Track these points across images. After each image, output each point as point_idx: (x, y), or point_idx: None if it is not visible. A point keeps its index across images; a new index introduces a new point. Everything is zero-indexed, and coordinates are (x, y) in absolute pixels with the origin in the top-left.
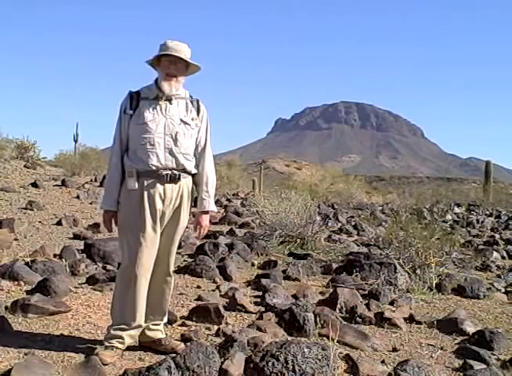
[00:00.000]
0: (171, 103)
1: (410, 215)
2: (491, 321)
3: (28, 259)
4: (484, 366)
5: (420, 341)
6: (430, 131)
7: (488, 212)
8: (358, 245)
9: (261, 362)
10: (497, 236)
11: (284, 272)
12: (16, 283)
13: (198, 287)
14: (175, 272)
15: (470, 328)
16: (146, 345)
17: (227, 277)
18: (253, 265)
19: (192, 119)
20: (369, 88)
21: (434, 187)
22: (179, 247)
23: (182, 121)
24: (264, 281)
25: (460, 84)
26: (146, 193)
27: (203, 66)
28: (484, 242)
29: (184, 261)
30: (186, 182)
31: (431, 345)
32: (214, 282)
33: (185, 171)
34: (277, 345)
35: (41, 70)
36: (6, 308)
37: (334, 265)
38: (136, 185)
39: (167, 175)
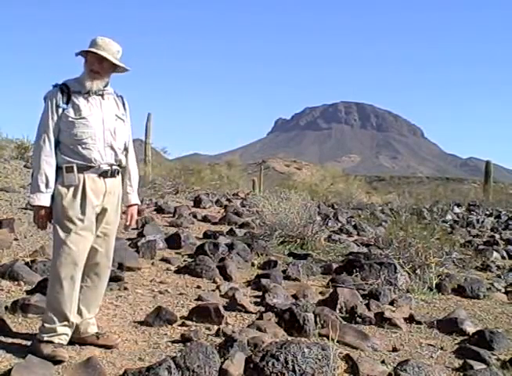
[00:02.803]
0: (103, 99)
1: (410, 215)
2: (491, 321)
3: (28, 259)
4: (484, 366)
5: (420, 341)
6: (430, 131)
7: (488, 212)
8: (358, 245)
9: (261, 362)
10: (497, 236)
11: (284, 272)
12: (16, 283)
13: (198, 287)
14: (175, 272)
15: (470, 328)
16: (82, 341)
17: (227, 277)
18: (253, 265)
19: (123, 115)
20: (369, 88)
21: (433, 187)
22: (179, 247)
23: (116, 116)
24: (264, 281)
25: (460, 84)
26: (88, 189)
27: (204, 65)
28: (485, 242)
29: (184, 261)
30: (120, 177)
31: (431, 345)
32: (214, 282)
33: (120, 166)
34: (277, 345)
35: (42, 70)
36: (6, 308)
37: (334, 265)
38: (77, 180)
39: (108, 170)
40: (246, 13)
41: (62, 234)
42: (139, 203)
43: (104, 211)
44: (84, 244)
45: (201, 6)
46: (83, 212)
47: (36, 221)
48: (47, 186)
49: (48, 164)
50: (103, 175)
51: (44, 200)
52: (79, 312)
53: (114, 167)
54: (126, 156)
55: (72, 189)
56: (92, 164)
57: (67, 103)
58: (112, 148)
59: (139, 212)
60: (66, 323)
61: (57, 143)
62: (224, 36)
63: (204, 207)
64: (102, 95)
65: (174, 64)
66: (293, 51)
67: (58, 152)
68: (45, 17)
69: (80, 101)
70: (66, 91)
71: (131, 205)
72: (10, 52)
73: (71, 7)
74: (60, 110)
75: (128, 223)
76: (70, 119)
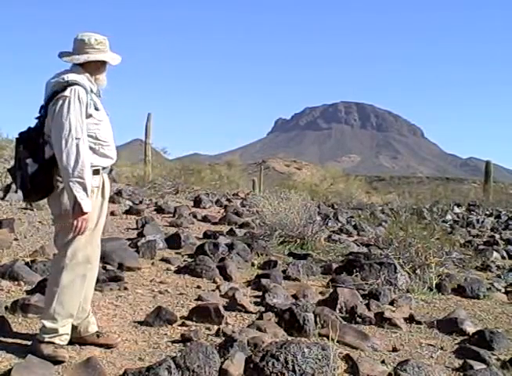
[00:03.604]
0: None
1: (410, 215)
2: (491, 321)
3: (28, 259)
4: (484, 366)
5: (420, 341)
6: (430, 131)
7: (488, 212)
8: (358, 245)
9: (261, 362)
10: (497, 236)
11: (284, 272)
12: (16, 283)
13: (198, 287)
14: (175, 272)
15: (470, 328)
16: (82, 341)
17: (227, 277)
18: (253, 265)
19: None
20: (369, 88)
21: (433, 187)
22: (179, 247)
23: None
24: (264, 281)
25: (460, 83)
26: (105, 189)
27: (204, 65)
28: (484, 242)
29: (184, 261)
30: None
31: (431, 345)
32: (214, 282)
33: None
34: (277, 345)
35: (42, 70)
36: (6, 308)
37: (334, 265)
38: (100, 182)
39: (112, 169)
40: (247, 13)
41: (82, 234)
42: None
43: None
44: (98, 242)
45: (201, 6)
46: (101, 211)
47: (79, 227)
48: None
49: (90, 169)
50: (109, 173)
51: (90, 205)
52: (81, 310)
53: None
54: None
55: (96, 190)
56: (109, 165)
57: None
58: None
59: (139, 212)
60: (69, 320)
61: None
62: (224, 36)
63: (204, 207)
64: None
65: (174, 64)
66: (293, 51)
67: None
68: (46, 17)
69: (96, 101)
70: (87, 90)
71: None
72: (10, 52)
73: (71, 7)
74: (87, 112)
75: None
76: (96, 121)
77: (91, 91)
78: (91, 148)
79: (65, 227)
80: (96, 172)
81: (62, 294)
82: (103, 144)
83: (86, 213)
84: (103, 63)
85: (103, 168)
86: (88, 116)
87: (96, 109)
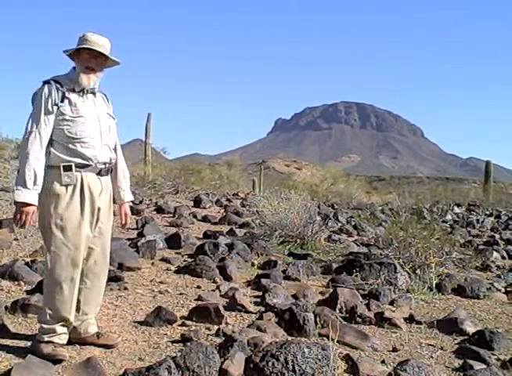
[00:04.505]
0: (95, 97)
1: (410, 215)
2: (491, 321)
3: (28, 259)
4: (484, 366)
5: (420, 341)
6: (430, 131)
7: (488, 212)
8: (358, 245)
9: (261, 362)
10: (497, 236)
11: (284, 272)
12: (16, 283)
13: (198, 287)
14: (175, 272)
15: (470, 328)
16: (82, 341)
17: (227, 277)
18: (253, 265)
19: (112, 112)
20: (369, 88)
21: (433, 187)
22: (179, 247)
23: (108, 114)
24: (264, 281)
25: (460, 84)
26: (86, 188)
27: (204, 65)
28: (484, 242)
29: (184, 261)
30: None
31: (431, 345)
32: (214, 282)
33: (111, 164)
34: (277, 345)
35: (42, 70)
36: (6, 308)
37: (334, 265)
38: (75, 179)
39: (103, 168)
40: (247, 13)
41: (61, 236)
42: (133, 199)
43: (98, 209)
44: (83, 244)
45: (201, 6)
46: (82, 212)
47: (17, 219)
48: (35, 183)
49: (38, 160)
50: (99, 173)
51: (29, 197)
52: (81, 313)
53: (108, 165)
54: (115, 154)
55: (70, 188)
56: (90, 163)
57: (62, 101)
58: (108, 147)
59: (139, 212)
60: (64, 323)
61: (50, 141)
62: (224, 36)
63: (204, 207)
64: (94, 94)
65: (174, 64)
66: (293, 51)
67: (52, 150)
68: (46, 17)
69: (75, 99)
70: (61, 88)
71: (124, 203)
72: (10, 52)
73: (72, 7)
74: (55, 108)
75: (123, 222)
76: (67, 117)
77: (73, 90)
78: (58, 144)
79: (43, 228)
80: (67, 168)
81: (52, 299)
82: (74, 141)
83: (23, 203)
84: (81, 60)
85: (83, 167)
86: (59, 113)
87: (72, 106)
